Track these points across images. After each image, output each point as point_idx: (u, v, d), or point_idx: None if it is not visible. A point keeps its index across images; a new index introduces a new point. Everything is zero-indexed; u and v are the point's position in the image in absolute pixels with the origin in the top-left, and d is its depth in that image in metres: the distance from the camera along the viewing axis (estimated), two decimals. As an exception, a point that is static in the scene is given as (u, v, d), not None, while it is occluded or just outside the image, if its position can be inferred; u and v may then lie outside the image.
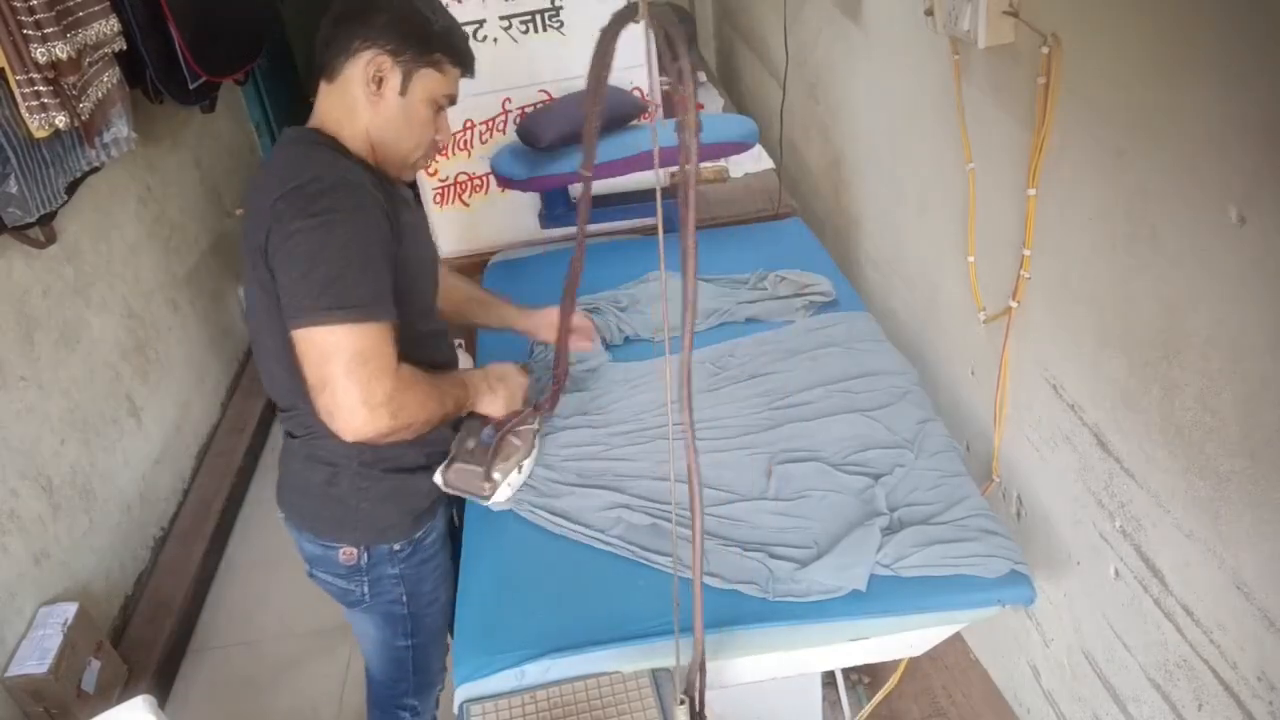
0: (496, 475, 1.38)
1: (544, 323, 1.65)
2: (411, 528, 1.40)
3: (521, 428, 1.45)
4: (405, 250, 1.25)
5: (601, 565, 1.34)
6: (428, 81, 1.27)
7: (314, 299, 1.13)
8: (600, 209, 2.34)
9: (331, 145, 1.26)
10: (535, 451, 1.49)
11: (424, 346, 1.35)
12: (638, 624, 1.22)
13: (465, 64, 1.32)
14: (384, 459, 1.33)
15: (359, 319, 1.13)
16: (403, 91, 1.26)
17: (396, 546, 1.40)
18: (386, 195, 1.25)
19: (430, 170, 2.42)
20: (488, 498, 1.38)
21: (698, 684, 1.03)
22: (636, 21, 0.73)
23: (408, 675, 1.55)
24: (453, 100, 1.32)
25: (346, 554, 1.38)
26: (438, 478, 1.38)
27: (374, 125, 1.27)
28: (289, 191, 1.16)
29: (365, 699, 1.68)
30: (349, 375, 1.12)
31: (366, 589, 1.42)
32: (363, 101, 1.26)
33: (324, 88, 1.29)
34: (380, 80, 1.24)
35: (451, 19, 1.31)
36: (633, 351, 1.84)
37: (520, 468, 1.43)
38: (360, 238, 1.16)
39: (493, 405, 1.42)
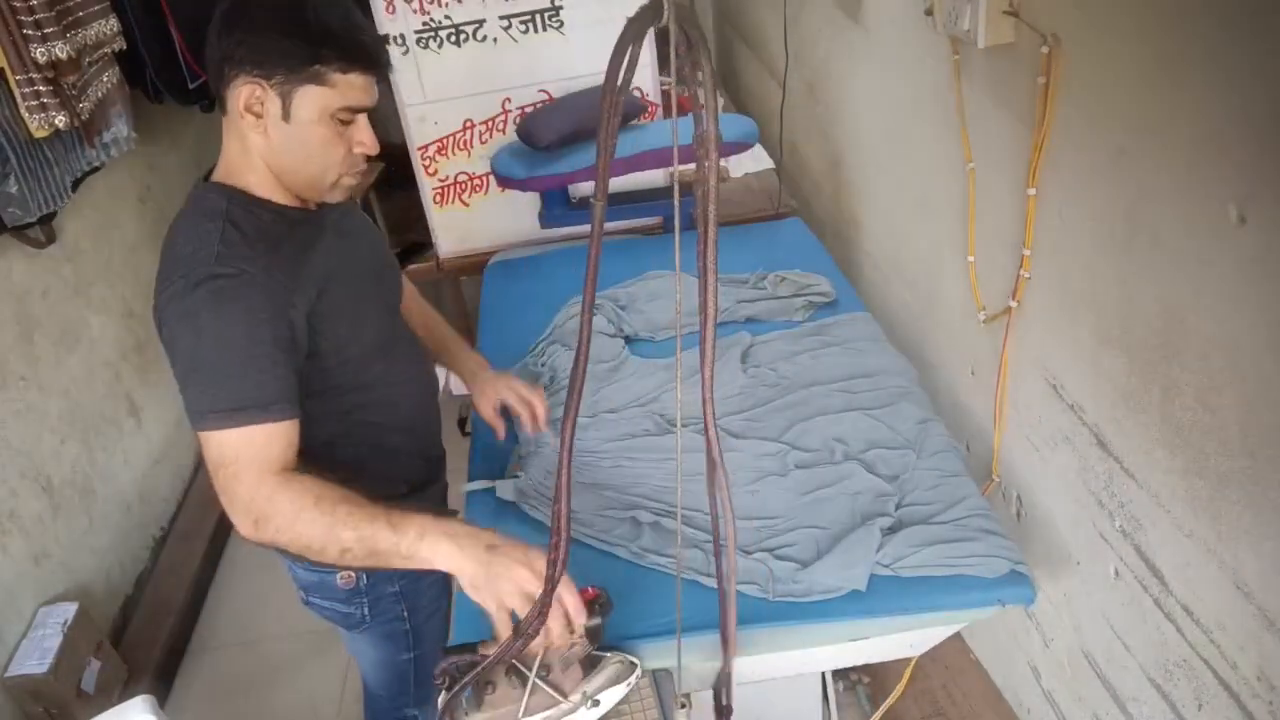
0: None
1: (486, 390, 1.52)
2: None
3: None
4: (330, 294, 1.17)
5: (602, 566, 1.33)
6: (312, 99, 1.09)
7: (188, 406, 1.10)
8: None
9: (226, 203, 1.14)
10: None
11: (380, 384, 1.28)
12: (638, 624, 1.22)
13: (362, 62, 1.10)
14: (367, 476, 1.23)
15: (216, 425, 1.07)
16: (285, 117, 1.10)
17: None
18: (300, 235, 1.17)
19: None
20: None
21: (728, 682, 1.03)
22: (661, 24, 0.70)
23: (409, 689, 1.52)
24: (360, 109, 1.14)
25: (345, 577, 1.35)
26: None
27: (268, 156, 1.14)
28: (161, 290, 1.13)
29: (363, 713, 1.66)
30: (215, 478, 1.09)
31: (367, 610, 1.39)
32: (250, 135, 1.12)
33: (223, 122, 1.16)
34: (257, 110, 1.10)
35: (339, 11, 1.10)
36: (635, 350, 1.84)
37: None
38: (227, 335, 1.07)
39: (476, 587, 1.03)
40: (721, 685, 1.08)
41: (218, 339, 1.08)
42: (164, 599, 2.44)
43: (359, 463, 1.27)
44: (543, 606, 0.96)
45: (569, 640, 1.04)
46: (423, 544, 1.04)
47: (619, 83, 0.72)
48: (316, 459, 1.15)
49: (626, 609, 1.25)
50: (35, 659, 1.91)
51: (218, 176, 1.19)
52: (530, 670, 1.04)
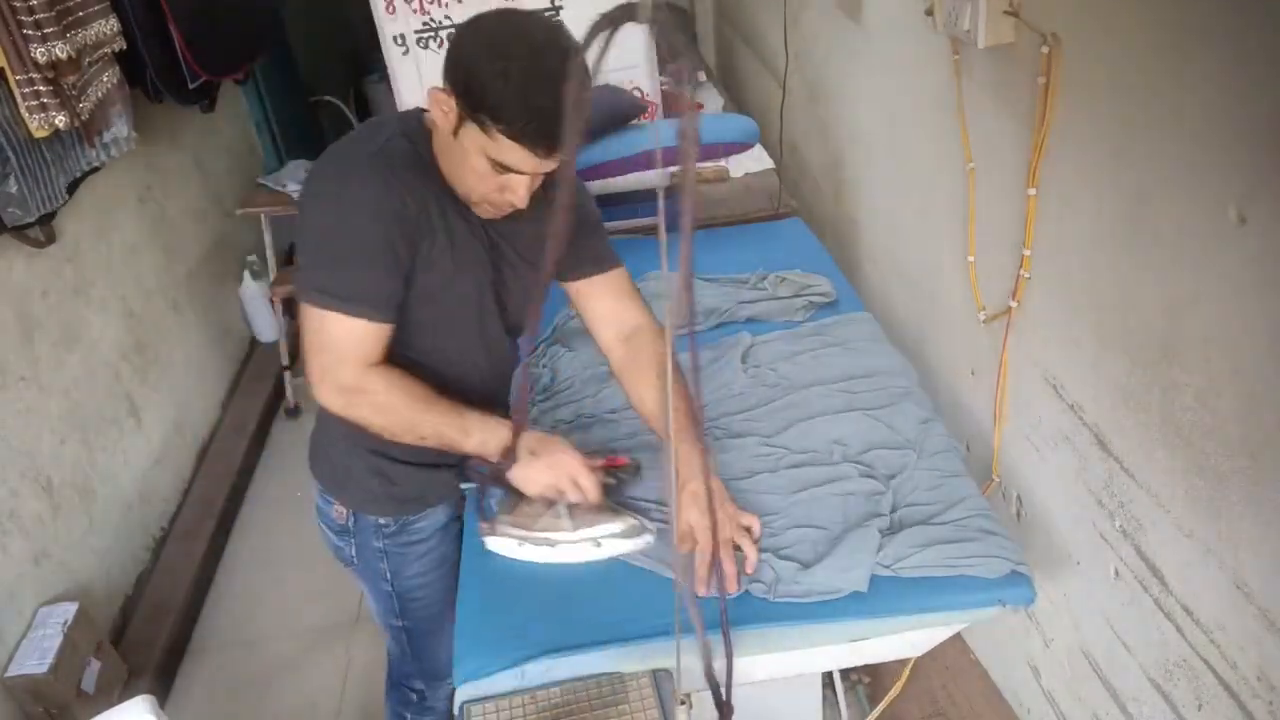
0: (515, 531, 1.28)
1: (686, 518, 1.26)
2: (395, 509, 1.42)
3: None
4: (441, 240, 1.21)
5: (602, 565, 1.33)
6: (475, 137, 1.13)
7: (303, 272, 1.19)
8: (600, 208, 2.34)
9: (417, 124, 1.22)
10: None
11: (435, 361, 1.30)
12: (638, 625, 1.22)
13: (528, 141, 1.10)
14: (369, 437, 1.28)
15: (328, 305, 1.15)
16: (454, 133, 1.15)
17: (382, 521, 1.42)
18: (437, 208, 1.20)
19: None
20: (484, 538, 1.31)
21: (726, 679, 1.04)
22: (639, 23, 0.71)
23: (409, 657, 1.58)
24: (518, 171, 1.15)
25: (338, 512, 1.44)
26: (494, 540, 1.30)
27: (437, 144, 1.21)
28: (319, 159, 1.21)
29: (386, 676, 1.73)
30: (312, 353, 1.19)
31: (354, 551, 1.46)
32: (439, 116, 1.17)
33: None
34: (443, 108, 1.15)
35: (545, 88, 1.06)
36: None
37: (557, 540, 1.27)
38: (361, 224, 1.14)
39: (524, 477, 1.26)
40: (720, 683, 1.08)
41: (353, 224, 1.15)
42: (164, 599, 2.44)
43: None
44: (509, 451, 1.24)
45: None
46: (485, 450, 1.25)
47: (584, 78, 0.75)
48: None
49: (627, 609, 1.25)
50: (35, 659, 1.91)
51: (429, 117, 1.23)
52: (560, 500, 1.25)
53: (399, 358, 1.25)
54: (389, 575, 1.46)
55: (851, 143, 2.38)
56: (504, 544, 1.29)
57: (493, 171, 1.15)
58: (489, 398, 1.39)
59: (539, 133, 1.10)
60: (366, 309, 1.16)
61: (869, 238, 2.33)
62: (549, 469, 1.24)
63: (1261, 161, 0.99)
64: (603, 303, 1.40)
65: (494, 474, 1.27)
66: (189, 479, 2.85)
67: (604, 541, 1.26)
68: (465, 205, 1.24)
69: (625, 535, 1.26)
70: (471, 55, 1.10)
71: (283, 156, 3.91)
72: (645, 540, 1.26)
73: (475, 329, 1.33)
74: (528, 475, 1.25)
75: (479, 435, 1.24)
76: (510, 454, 1.24)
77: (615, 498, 1.31)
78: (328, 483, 1.44)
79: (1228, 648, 1.19)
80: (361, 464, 1.38)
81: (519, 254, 1.32)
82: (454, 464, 1.38)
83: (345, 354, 1.17)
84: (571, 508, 1.26)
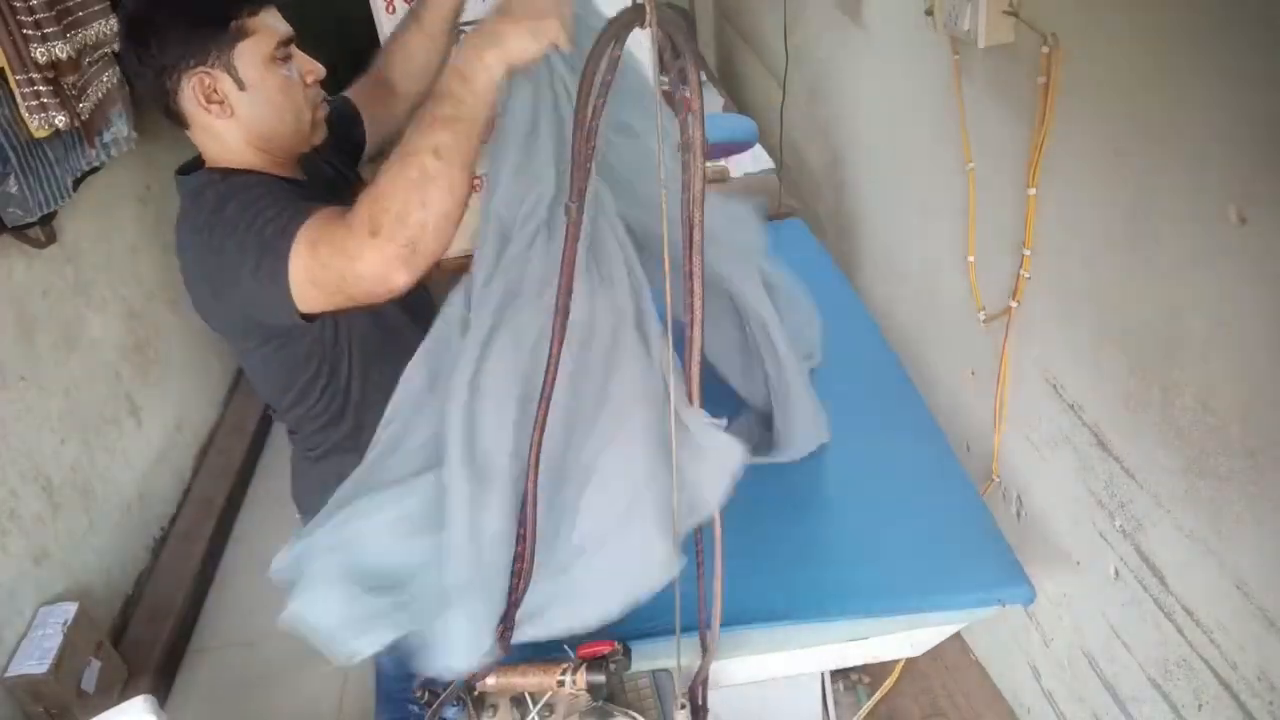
0: None
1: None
2: None
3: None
4: None
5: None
6: (250, 55, 1.11)
7: (253, 257, 1.04)
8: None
9: (221, 175, 1.17)
10: None
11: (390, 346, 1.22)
12: (638, 625, 1.22)
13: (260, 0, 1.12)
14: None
15: (287, 247, 1.01)
16: (241, 85, 1.12)
17: None
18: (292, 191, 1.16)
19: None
20: None
21: (703, 676, 1.03)
22: (645, 27, 0.70)
23: (413, 674, 1.55)
24: (287, 40, 1.15)
25: None
26: None
27: (248, 131, 1.16)
28: (184, 225, 1.14)
29: (374, 690, 1.68)
30: (329, 271, 1.00)
31: None
32: (220, 124, 1.15)
33: (190, 134, 1.19)
34: (216, 96, 1.12)
35: None
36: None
37: None
38: (253, 199, 1.08)
39: (519, 37, 0.96)
40: (698, 685, 1.08)
41: (245, 206, 1.07)
42: (164, 599, 2.44)
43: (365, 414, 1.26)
44: (507, 623, 0.96)
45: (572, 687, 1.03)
46: (472, 77, 0.96)
47: (596, 85, 0.72)
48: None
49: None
50: (35, 659, 1.91)
51: (205, 165, 1.20)
52: (534, 706, 1.04)
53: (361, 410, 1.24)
54: None
55: (851, 143, 2.38)
56: None
57: (286, 75, 1.14)
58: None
59: None
60: (302, 218, 1.02)
61: (869, 238, 2.32)
62: (535, 20, 0.96)
63: (1261, 161, 0.99)
64: (368, 107, 1.41)
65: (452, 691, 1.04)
66: (189, 479, 2.85)
67: None
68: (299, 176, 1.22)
69: None
70: (170, 24, 1.09)
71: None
72: None
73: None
74: (519, 31, 0.95)
75: (452, 78, 0.98)
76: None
77: (600, 698, 1.05)
78: None
79: (1228, 648, 1.19)
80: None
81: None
82: None
83: (328, 225, 1.00)
84: (546, 715, 1.05)
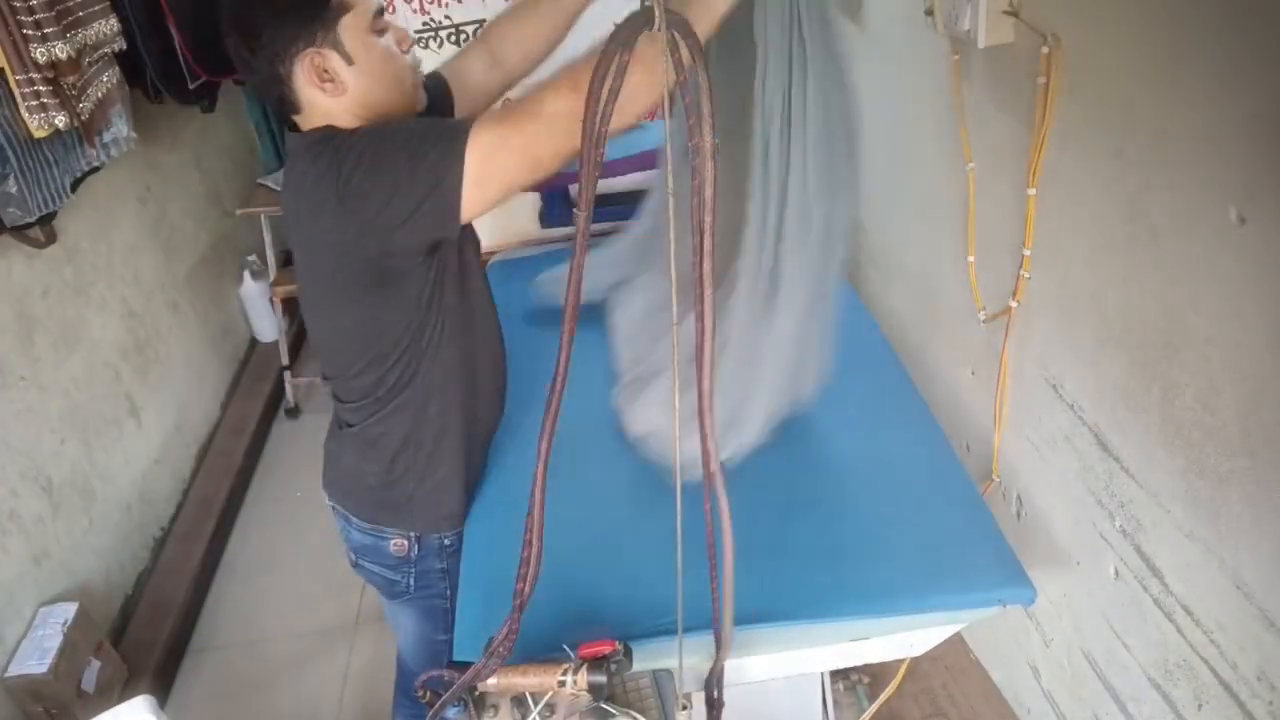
0: None
1: None
2: (460, 518, 1.42)
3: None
4: None
5: (603, 565, 1.34)
6: (352, 30, 1.18)
7: (422, 152, 1.09)
8: (601, 208, 2.34)
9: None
10: None
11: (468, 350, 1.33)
12: (639, 624, 1.22)
13: None
14: (441, 445, 1.34)
15: (458, 129, 1.10)
16: (349, 60, 1.18)
17: (446, 540, 1.42)
18: None
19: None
20: None
21: (719, 671, 1.03)
22: (653, 30, 0.70)
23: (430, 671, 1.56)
24: (379, 11, 1.22)
25: (397, 545, 1.40)
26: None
27: (360, 104, 1.21)
28: (307, 170, 1.16)
29: (395, 685, 1.70)
30: (515, 125, 1.09)
31: (412, 580, 1.43)
32: (332, 102, 1.20)
33: (299, 120, 1.24)
34: (327, 75, 1.18)
35: None
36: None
37: None
38: (399, 123, 1.17)
39: None
40: (714, 680, 1.08)
41: (397, 128, 1.15)
42: (164, 599, 2.44)
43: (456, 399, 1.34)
44: (511, 628, 0.97)
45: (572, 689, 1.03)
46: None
47: (605, 91, 0.72)
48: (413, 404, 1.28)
49: (627, 609, 1.25)
50: (35, 659, 1.91)
51: None
52: (534, 706, 1.04)
53: (453, 373, 1.30)
54: (448, 593, 1.44)
55: (851, 143, 2.38)
56: None
57: (384, 46, 1.20)
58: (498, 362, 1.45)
59: None
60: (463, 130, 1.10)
61: (869, 238, 2.32)
62: None
63: (1261, 162, 0.99)
64: (463, 77, 1.45)
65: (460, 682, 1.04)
66: (189, 479, 2.85)
67: None
68: None
69: None
70: (274, 11, 1.15)
71: (283, 156, 3.91)
72: None
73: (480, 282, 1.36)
74: None
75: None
76: (502, 642, 1.00)
77: (601, 699, 1.05)
78: (383, 517, 1.39)
79: (1228, 648, 1.19)
80: (432, 480, 1.37)
81: None
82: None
83: (522, 123, 1.08)
84: (548, 714, 1.06)
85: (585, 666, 1.03)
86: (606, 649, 1.04)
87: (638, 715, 1.08)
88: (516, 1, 1.52)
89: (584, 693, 1.03)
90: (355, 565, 1.48)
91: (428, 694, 1.06)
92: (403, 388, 1.29)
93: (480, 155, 1.08)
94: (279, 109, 1.23)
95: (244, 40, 1.17)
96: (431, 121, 1.24)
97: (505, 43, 1.48)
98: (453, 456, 1.37)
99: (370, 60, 1.19)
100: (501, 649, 0.98)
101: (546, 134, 1.07)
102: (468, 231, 1.29)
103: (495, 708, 1.06)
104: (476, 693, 1.06)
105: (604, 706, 1.06)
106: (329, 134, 1.18)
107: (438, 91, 1.39)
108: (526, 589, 0.94)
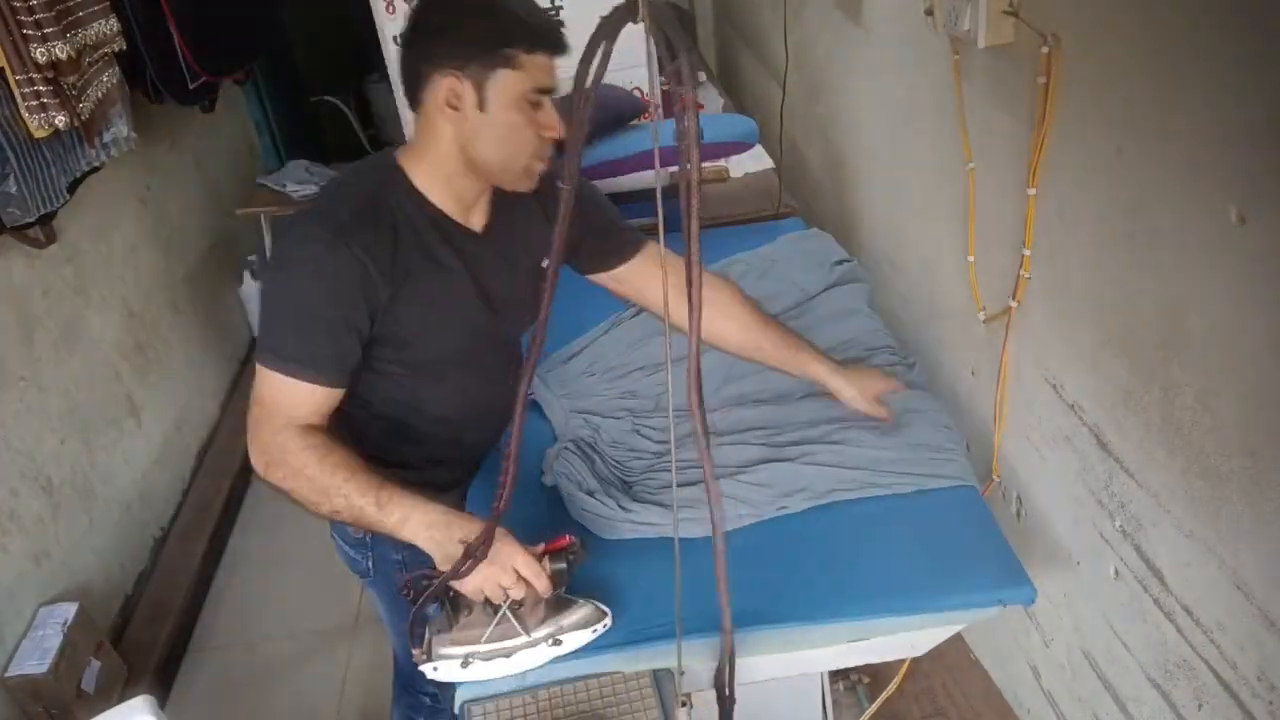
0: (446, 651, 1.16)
1: (868, 387, 1.46)
2: None
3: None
4: (410, 295, 1.22)
5: (603, 565, 1.33)
6: (506, 85, 1.15)
7: (258, 337, 1.21)
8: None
9: (386, 176, 1.23)
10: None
11: (439, 387, 1.33)
12: (639, 624, 1.22)
13: (546, 42, 1.16)
14: (383, 452, 1.31)
15: (267, 364, 1.16)
16: (481, 106, 1.16)
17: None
18: (420, 241, 1.21)
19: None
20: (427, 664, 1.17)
21: (727, 672, 1.04)
22: (637, 22, 0.71)
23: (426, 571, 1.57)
24: (546, 90, 1.18)
25: (354, 528, 1.40)
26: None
27: (467, 145, 1.19)
28: (287, 222, 1.22)
29: (393, 678, 1.72)
30: (250, 412, 1.19)
31: (371, 564, 1.45)
32: (445, 128, 1.19)
33: (416, 115, 1.23)
34: (455, 104, 1.16)
35: (524, 1, 1.18)
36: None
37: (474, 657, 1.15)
38: (313, 295, 1.17)
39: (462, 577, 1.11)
40: (723, 675, 1.08)
41: (303, 293, 1.18)
42: (164, 599, 2.44)
43: (389, 432, 1.35)
44: (486, 536, 1.07)
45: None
46: (404, 529, 1.14)
47: (589, 81, 0.74)
48: (354, 411, 1.27)
49: (628, 609, 1.25)
50: (35, 659, 1.91)
51: (399, 153, 1.26)
52: (503, 602, 1.12)
53: (400, 398, 1.30)
54: None
55: (851, 143, 2.38)
56: (447, 667, 1.15)
57: (528, 118, 1.17)
58: (501, 419, 1.41)
59: (546, 30, 1.17)
60: (308, 372, 1.16)
61: (869, 238, 2.32)
62: (488, 564, 1.10)
63: (1261, 161, 0.99)
64: (640, 280, 1.44)
65: (440, 579, 1.12)
66: (189, 479, 2.85)
67: (564, 637, 1.15)
68: (451, 231, 1.25)
69: (585, 624, 1.16)
70: (455, 23, 1.15)
71: (283, 156, 3.91)
72: (605, 624, 1.17)
73: (466, 344, 1.33)
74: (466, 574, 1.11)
75: (399, 512, 1.13)
76: (479, 547, 1.08)
77: (562, 586, 1.16)
78: None
79: (1228, 648, 1.19)
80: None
81: (516, 260, 1.34)
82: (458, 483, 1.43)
83: (273, 412, 1.17)
84: (516, 607, 1.13)
85: (547, 557, 1.14)
86: (564, 543, 1.16)
87: (599, 604, 1.17)
88: (769, 324, 1.48)
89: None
90: (331, 537, 1.49)
91: (411, 591, 1.15)
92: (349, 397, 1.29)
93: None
94: (407, 94, 1.22)
95: (416, 26, 1.18)
96: (314, 320, 1.20)
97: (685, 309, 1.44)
98: (397, 466, 1.32)
99: (498, 119, 1.17)
100: (478, 554, 1.08)
101: (249, 423, 1.19)
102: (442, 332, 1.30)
103: (469, 609, 1.16)
104: (451, 593, 1.15)
105: (564, 596, 1.17)
106: (299, 235, 1.20)
107: (597, 228, 1.40)
108: (501, 505, 1.04)
